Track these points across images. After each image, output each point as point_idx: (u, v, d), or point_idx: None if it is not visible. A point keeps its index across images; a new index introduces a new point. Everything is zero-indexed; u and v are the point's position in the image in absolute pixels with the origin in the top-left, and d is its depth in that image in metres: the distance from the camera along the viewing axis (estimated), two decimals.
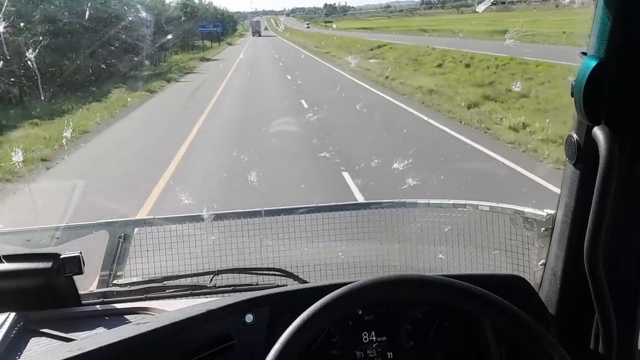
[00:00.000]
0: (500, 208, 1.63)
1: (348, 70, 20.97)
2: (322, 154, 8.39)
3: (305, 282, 1.56)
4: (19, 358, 1.17)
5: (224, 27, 63.38)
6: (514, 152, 8.65)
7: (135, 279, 1.62)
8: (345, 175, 7.28)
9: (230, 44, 55.36)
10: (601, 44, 0.93)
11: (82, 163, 9.29)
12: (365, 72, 21.13)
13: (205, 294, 1.54)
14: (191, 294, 1.55)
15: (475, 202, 1.71)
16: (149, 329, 1.13)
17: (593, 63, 0.93)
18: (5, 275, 1.37)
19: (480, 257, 1.68)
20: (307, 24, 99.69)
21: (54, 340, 1.25)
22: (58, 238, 1.65)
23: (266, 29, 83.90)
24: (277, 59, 32.97)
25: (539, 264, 1.39)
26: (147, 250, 1.72)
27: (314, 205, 1.79)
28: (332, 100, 13.91)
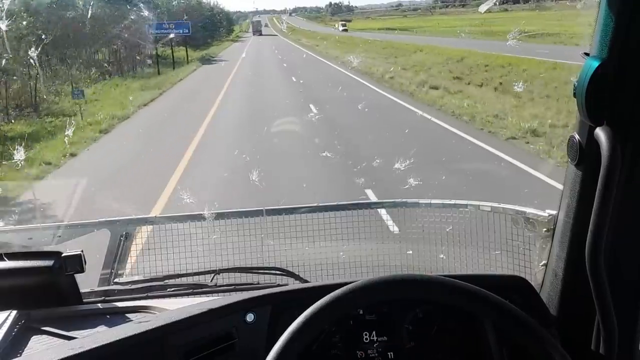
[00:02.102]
0: (502, 208, 1.63)
1: None
2: None
3: (306, 281, 1.57)
4: (20, 356, 1.17)
5: (214, 27, 45.82)
6: None
7: (136, 278, 1.63)
8: None
9: (208, 59, 32.82)
10: (603, 45, 0.93)
11: None
12: None
13: (206, 293, 1.54)
14: (192, 293, 1.55)
15: (477, 203, 1.71)
16: (150, 327, 1.13)
17: (595, 64, 0.93)
18: (6, 273, 1.37)
19: (482, 258, 1.68)
20: (344, 24, 68.31)
21: (55, 338, 1.25)
22: (59, 236, 1.65)
23: (266, 25, 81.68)
24: None
25: (541, 264, 1.39)
26: (149, 249, 1.72)
27: (316, 204, 1.79)
28: None
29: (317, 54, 34.01)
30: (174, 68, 26.61)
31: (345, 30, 61.15)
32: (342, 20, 78.74)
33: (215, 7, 50.56)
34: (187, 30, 28.69)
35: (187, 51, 31.38)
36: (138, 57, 25.59)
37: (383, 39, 39.60)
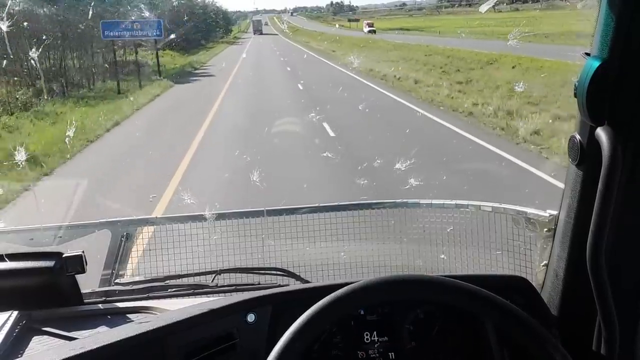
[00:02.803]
0: (503, 209, 1.63)
1: None
2: None
3: (307, 282, 1.57)
4: (21, 357, 1.17)
5: (208, 28, 39.46)
6: None
7: (137, 278, 1.63)
8: None
9: (189, 72, 24.35)
10: (604, 45, 0.93)
11: None
12: None
13: (207, 293, 1.55)
14: (193, 294, 1.55)
15: (478, 203, 1.71)
16: (151, 328, 1.13)
17: (596, 64, 0.93)
18: (7, 274, 1.37)
19: (483, 258, 1.67)
20: (371, 24, 56.06)
21: (56, 339, 1.25)
22: (61, 237, 1.65)
23: (266, 24, 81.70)
24: None
25: (542, 264, 1.39)
26: (149, 250, 1.72)
27: (317, 205, 1.79)
28: None
29: (336, 62, 25.32)
30: (140, 86, 18.70)
31: (373, 31, 50.17)
32: (367, 21, 64.89)
33: (209, 6, 44.29)
34: (157, 32, 19.47)
35: (158, 61, 21.95)
36: (94, 69, 19.19)
37: (414, 42, 30.70)
